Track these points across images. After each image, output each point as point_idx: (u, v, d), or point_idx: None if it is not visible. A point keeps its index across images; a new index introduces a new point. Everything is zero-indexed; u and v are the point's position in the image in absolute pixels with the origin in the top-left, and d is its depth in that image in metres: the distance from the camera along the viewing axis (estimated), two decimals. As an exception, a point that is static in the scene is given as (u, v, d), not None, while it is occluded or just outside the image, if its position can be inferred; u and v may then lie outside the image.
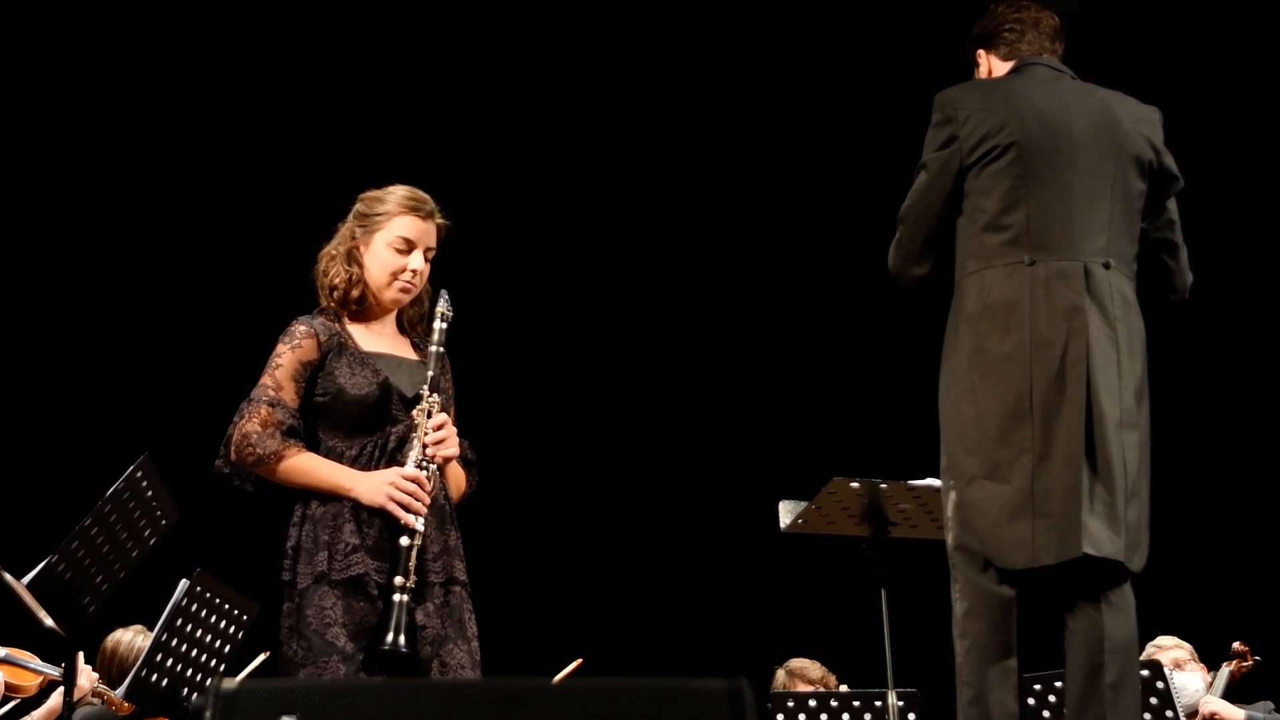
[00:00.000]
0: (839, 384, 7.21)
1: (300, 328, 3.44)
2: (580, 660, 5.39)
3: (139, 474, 3.46)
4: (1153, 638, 5.33)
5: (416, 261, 3.48)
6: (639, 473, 7.22)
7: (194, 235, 6.66)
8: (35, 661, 4.70)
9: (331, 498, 3.31)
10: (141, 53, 6.63)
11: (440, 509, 3.38)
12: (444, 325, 3.45)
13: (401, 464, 3.34)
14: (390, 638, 3.18)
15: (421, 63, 6.97)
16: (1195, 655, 5.28)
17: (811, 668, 5.53)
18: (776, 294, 7.32)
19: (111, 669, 4.67)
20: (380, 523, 3.29)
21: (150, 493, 3.50)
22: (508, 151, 7.11)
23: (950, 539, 3.26)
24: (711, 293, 7.34)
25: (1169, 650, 5.26)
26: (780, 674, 5.55)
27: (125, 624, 4.82)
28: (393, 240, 3.47)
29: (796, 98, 7.21)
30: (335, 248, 3.52)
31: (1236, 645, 5.13)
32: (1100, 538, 3.11)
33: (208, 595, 3.75)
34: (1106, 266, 3.23)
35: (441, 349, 3.44)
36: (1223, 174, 7.11)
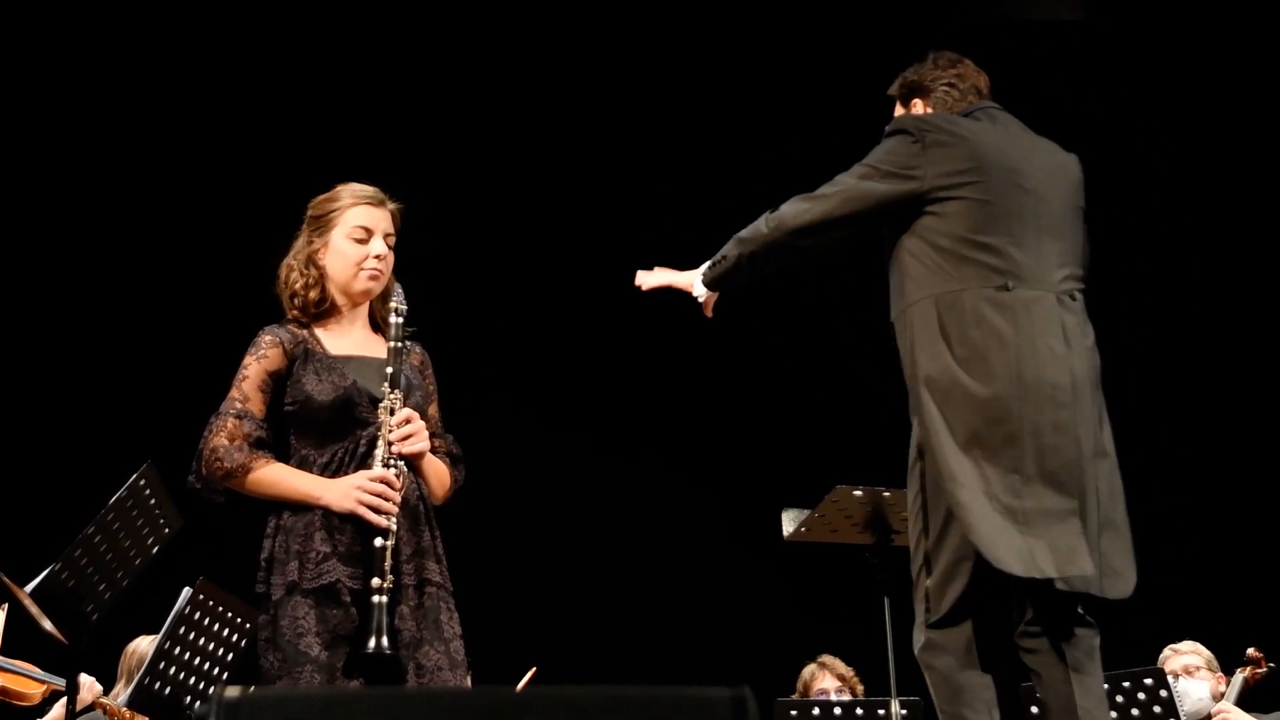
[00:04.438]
0: (842, 392, 7.20)
1: (265, 338, 3.42)
2: (534, 669, 5.45)
3: (142, 481, 3.46)
4: (1177, 640, 5.33)
5: (378, 247, 3.46)
6: (641, 480, 7.22)
7: (195, 241, 6.68)
8: (37, 671, 4.71)
9: (303, 507, 3.28)
10: (146, 70, 6.65)
11: (414, 509, 3.34)
12: (399, 320, 3.41)
13: (371, 466, 3.31)
14: (373, 642, 3.15)
15: (409, 65, 6.99)
16: (1213, 662, 5.25)
17: (841, 665, 5.67)
18: (780, 301, 7.32)
19: (133, 675, 4.68)
20: (351, 528, 3.26)
21: (153, 500, 3.50)
22: (509, 154, 7.12)
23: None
24: (715, 299, 7.33)
25: (1183, 655, 5.23)
26: (811, 666, 5.68)
27: (129, 631, 4.83)
28: (350, 231, 3.45)
29: (803, 107, 7.22)
30: (293, 257, 3.51)
31: (1251, 651, 5.11)
32: (1088, 569, 3.16)
33: (211, 603, 3.74)
34: (1071, 298, 3.31)
35: (400, 344, 3.39)
36: (1222, 176, 7.13)
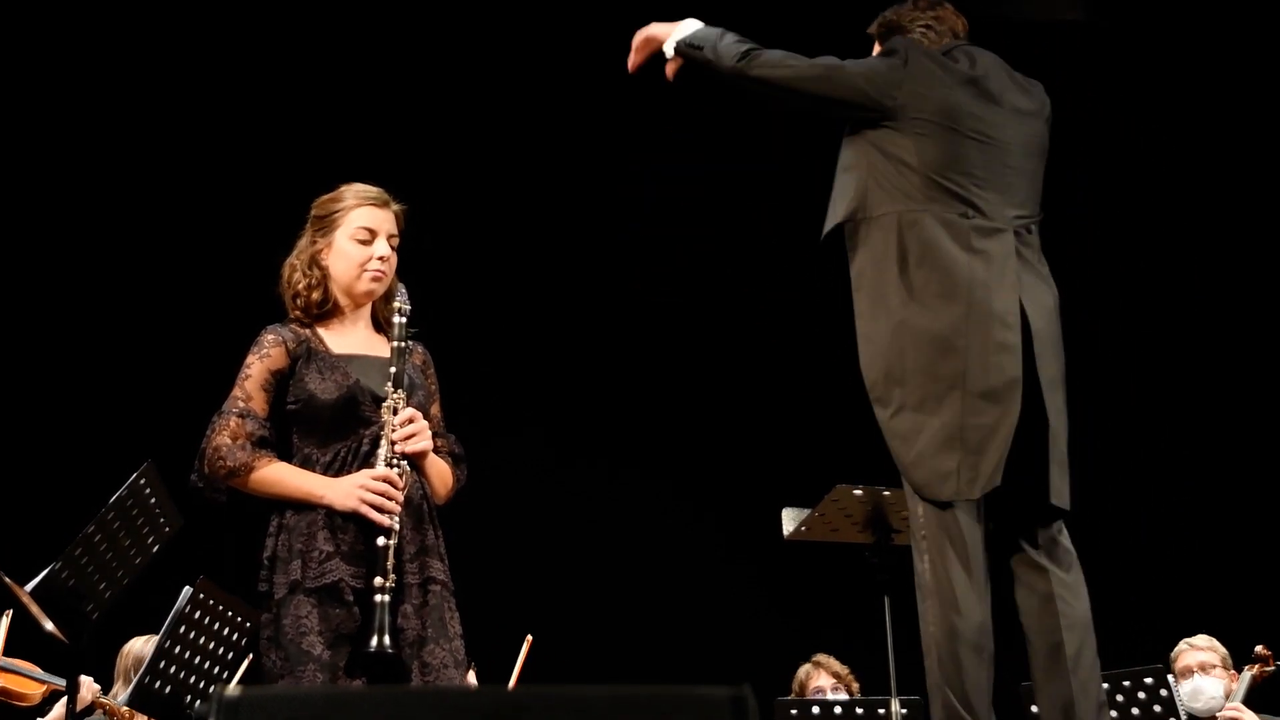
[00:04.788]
0: (842, 391, 7.19)
1: (269, 336, 3.42)
2: (530, 638, 5.48)
3: (142, 481, 3.46)
4: (1178, 639, 5.32)
5: (382, 248, 3.46)
6: (642, 479, 7.22)
7: (197, 241, 6.68)
8: (38, 671, 4.71)
9: (305, 506, 3.27)
10: (148, 70, 6.65)
11: (417, 508, 3.34)
12: (403, 320, 3.41)
13: (374, 465, 3.31)
14: (375, 640, 3.15)
15: (411, 65, 6.99)
16: (1227, 660, 5.24)
17: (836, 663, 5.70)
18: (781, 300, 7.32)
19: (129, 675, 4.69)
20: (354, 527, 3.26)
21: (154, 500, 3.50)
22: (508, 154, 7.12)
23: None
24: (716, 299, 7.35)
25: (1200, 651, 5.22)
26: (806, 666, 5.71)
27: (129, 631, 4.83)
28: (354, 232, 3.45)
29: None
30: (295, 257, 3.51)
31: (1259, 649, 5.10)
32: (1059, 487, 3.24)
33: (210, 603, 3.75)
34: (1028, 230, 3.38)
35: (404, 344, 3.39)
36: (1222, 176, 7.12)
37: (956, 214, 3.27)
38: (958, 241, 3.25)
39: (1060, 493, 3.26)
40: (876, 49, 3.61)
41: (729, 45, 3.43)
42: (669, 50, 3.53)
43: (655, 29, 3.58)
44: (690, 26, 3.51)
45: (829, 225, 3.42)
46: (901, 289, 3.26)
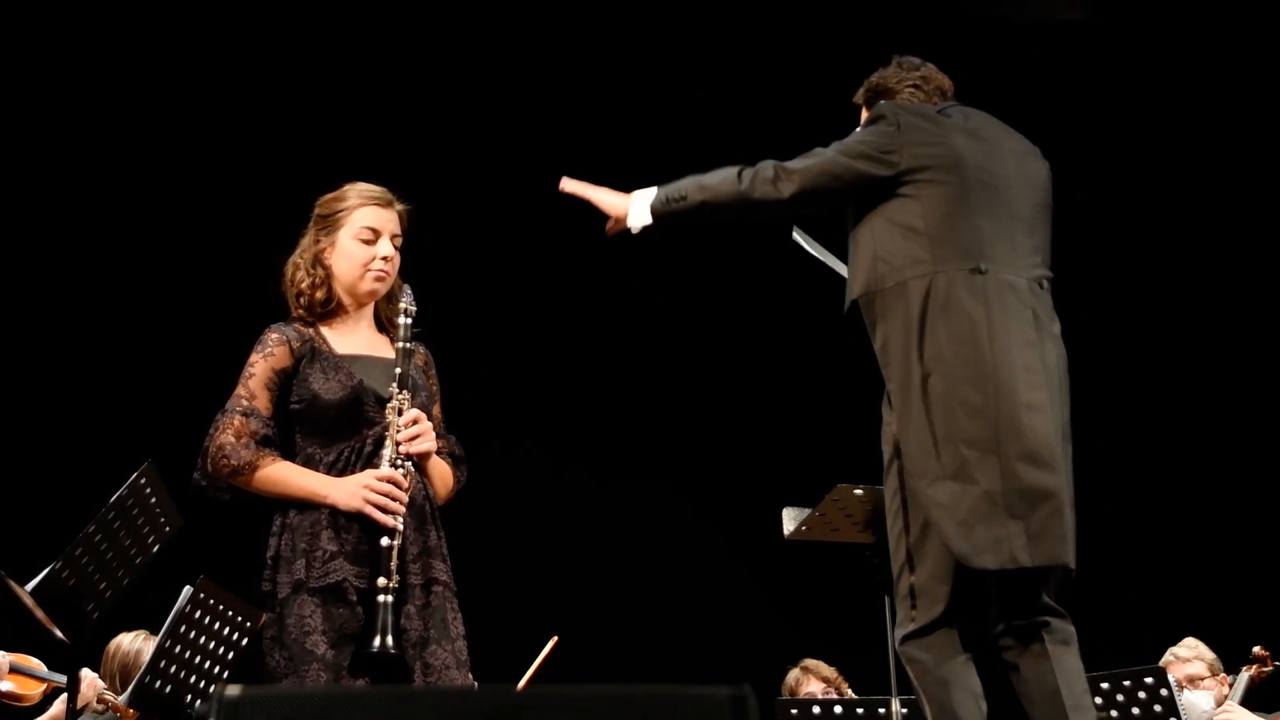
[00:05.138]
0: (843, 390, 7.19)
1: (272, 335, 3.43)
2: (555, 639, 5.47)
3: (143, 480, 3.46)
4: (1178, 639, 5.31)
5: (385, 248, 3.46)
6: (642, 479, 7.22)
7: (197, 239, 6.68)
8: (40, 669, 4.70)
9: (309, 506, 3.28)
10: (149, 68, 6.65)
11: (420, 509, 3.35)
12: (408, 320, 3.41)
13: (379, 466, 3.32)
14: (377, 641, 3.16)
15: (413, 63, 6.99)
16: (1215, 665, 5.22)
17: (825, 667, 5.63)
18: (781, 300, 7.32)
19: (115, 674, 4.69)
20: (358, 527, 3.27)
21: (154, 499, 3.50)
22: (508, 154, 7.12)
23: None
24: (717, 299, 7.34)
25: (1187, 664, 5.19)
26: (794, 671, 5.63)
27: (130, 630, 4.83)
28: (358, 232, 3.46)
29: (805, 113, 7.21)
30: (299, 255, 3.51)
31: (1257, 650, 5.09)
32: (1062, 555, 3.21)
33: (211, 602, 3.74)
34: (1040, 285, 3.36)
35: (409, 344, 3.40)
36: (1222, 176, 7.12)
37: (969, 270, 3.25)
38: (974, 298, 3.22)
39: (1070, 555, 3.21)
40: (863, 117, 3.59)
41: (714, 179, 3.40)
42: (641, 224, 3.46)
43: (604, 205, 3.51)
44: (647, 195, 3.46)
45: (848, 301, 3.41)
46: (923, 357, 3.23)
